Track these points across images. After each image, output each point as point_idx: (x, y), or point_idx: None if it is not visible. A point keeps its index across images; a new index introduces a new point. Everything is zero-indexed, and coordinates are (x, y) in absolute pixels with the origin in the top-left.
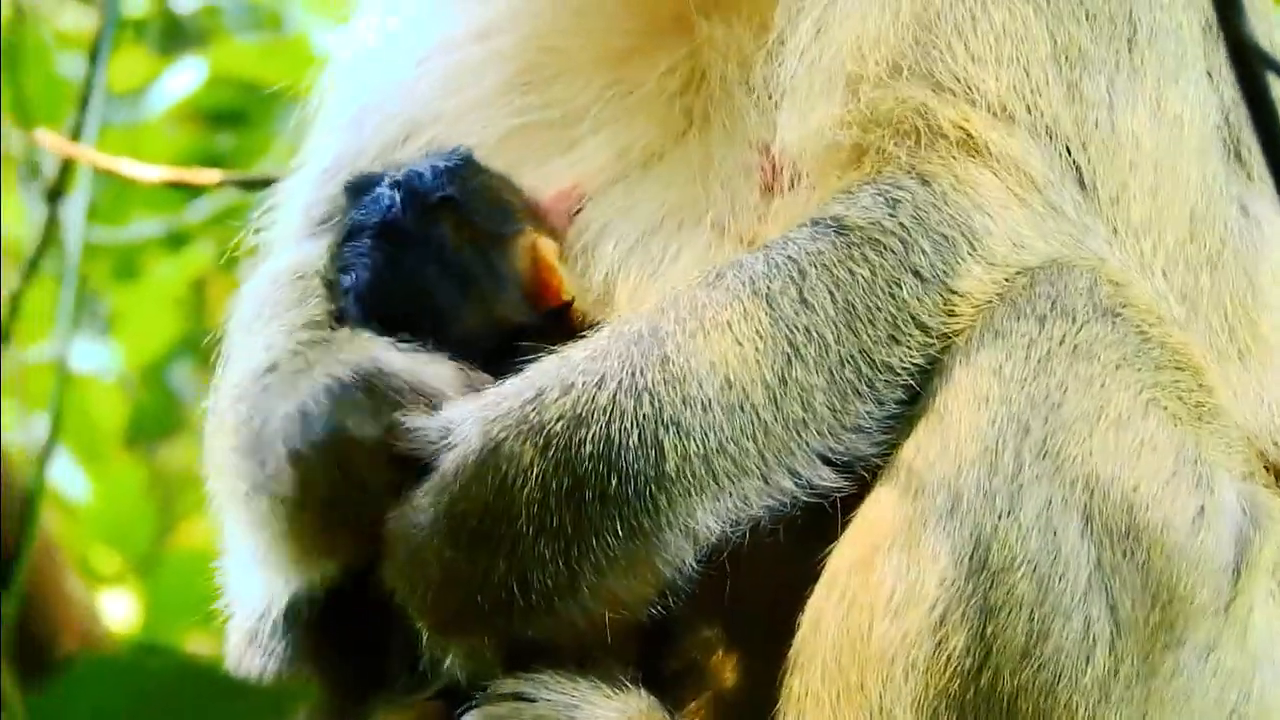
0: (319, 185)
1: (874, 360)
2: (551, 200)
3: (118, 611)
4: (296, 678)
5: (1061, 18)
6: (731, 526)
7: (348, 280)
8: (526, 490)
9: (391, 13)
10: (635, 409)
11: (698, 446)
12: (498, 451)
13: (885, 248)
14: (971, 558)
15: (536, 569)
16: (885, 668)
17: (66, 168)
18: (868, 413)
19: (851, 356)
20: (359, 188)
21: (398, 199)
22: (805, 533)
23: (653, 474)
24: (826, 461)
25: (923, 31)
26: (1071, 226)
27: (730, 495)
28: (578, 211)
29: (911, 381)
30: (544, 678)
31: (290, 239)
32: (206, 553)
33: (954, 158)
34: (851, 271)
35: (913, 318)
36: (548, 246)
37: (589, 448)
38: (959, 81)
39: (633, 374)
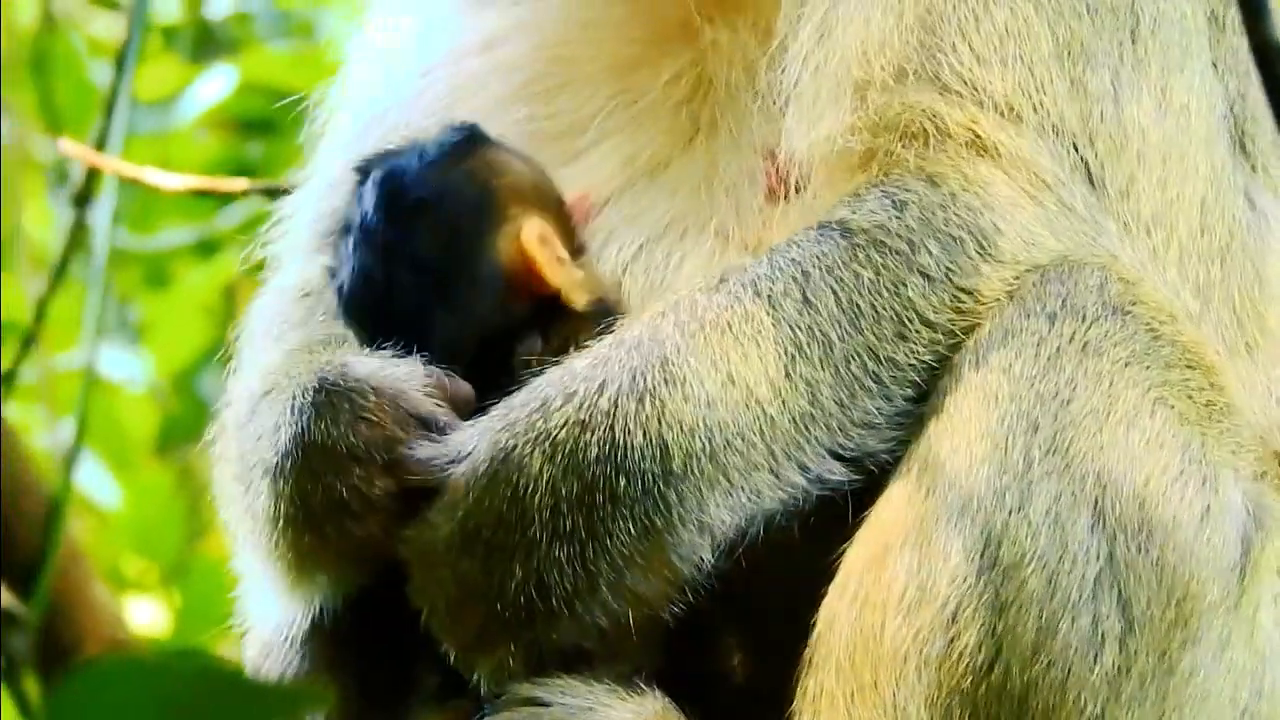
0: (325, 198)
1: (880, 357)
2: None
3: (147, 619)
4: (314, 682)
5: (1062, 13)
6: (746, 521)
7: (335, 283)
8: (538, 497)
9: (399, 24)
10: (637, 410)
11: (703, 443)
12: (507, 462)
13: (890, 249)
14: (983, 555)
15: (554, 573)
16: (898, 666)
17: (93, 175)
18: (876, 409)
19: (857, 353)
20: (364, 173)
21: (373, 202)
22: (821, 533)
23: (659, 472)
24: (837, 457)
25: (926, 34)
26: (1083, 224)
27: (742, 490)
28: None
29: (920, 378)
30: (559, 682)
31: (298, 253)
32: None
33: (962, 158)
34: (856, 274)
35: (919, 315)
36: (532, 233)
37: (595, 451)
38: (965, 84)
39: (633, 377)
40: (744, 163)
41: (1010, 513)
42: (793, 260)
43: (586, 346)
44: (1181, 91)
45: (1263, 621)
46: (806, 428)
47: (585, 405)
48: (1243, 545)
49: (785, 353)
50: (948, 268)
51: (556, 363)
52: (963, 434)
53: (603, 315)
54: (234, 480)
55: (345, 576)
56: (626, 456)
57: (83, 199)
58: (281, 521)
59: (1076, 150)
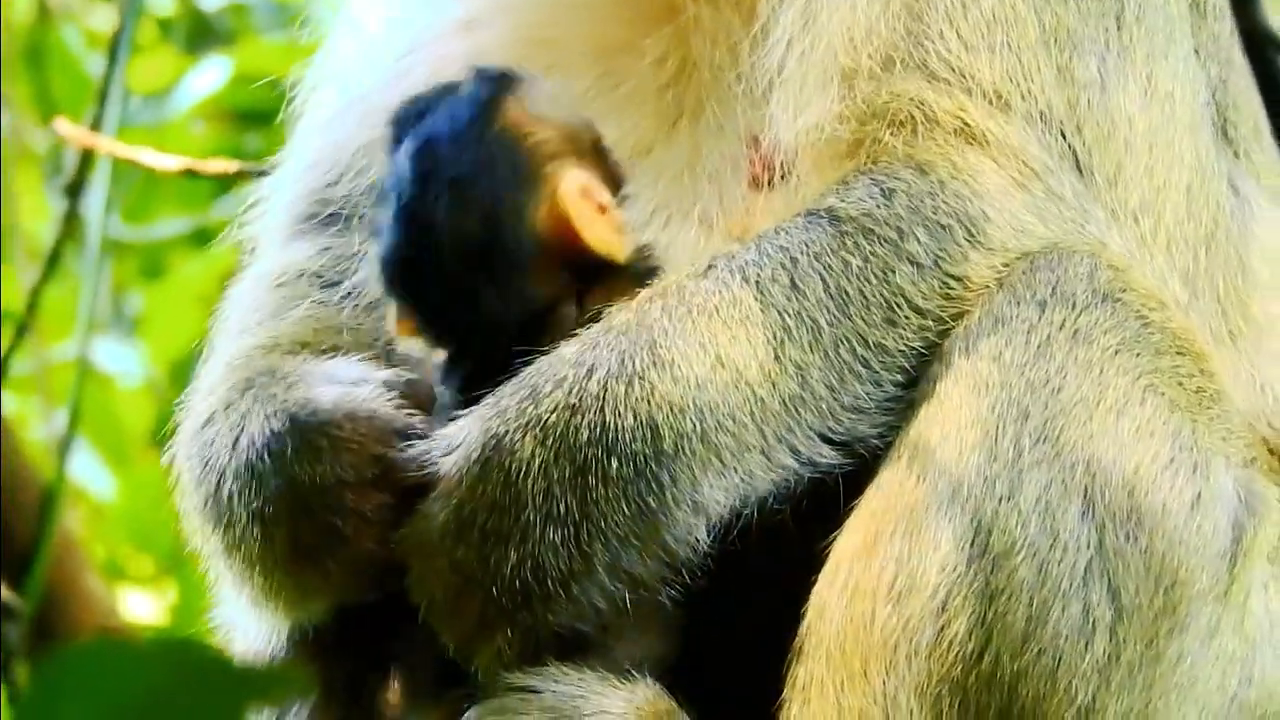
0: (303, 181)
1: (869, 342)
2: None
3: (142, 611)
4: (296, 667)
5: None
6: (740, 503)
7: (374, 251)
8: (530, 481)
9: (373, 9)
10: (627, 393)
11: (693, 424)
12: (499, 448)
13: (879, 237)
14: (972, 543)
15: (549, 556)
16: (888, 654)
17: (86, 161)
18: (866, 394)
19: (846, 338)
20: (397, 130)
21: (409, 176)
22: (812, 521)
23: (651, 453)
24: (827, 441)
25: (913, 21)
26: (1072, 212)
27: (735, 471)
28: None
29: (910, 364)
30: (551, 670)
31: (276, 237)
32: None
33: (951, 146)
34: (844, 261)
35: (908, 302)
36: (572, 187)
37: (585, 434)
38: (953, 71)
39: (621, 361)
40: (727, 149)
41: (1000, 501)
42: (780, 247)
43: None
44: (1166, 78)
45: (1253, 608)
46: (796, 410)
47: (574, 390)
48: (1234, 532)
49: (774, 336)
50: (937, 255)
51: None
52: (953, 421)
53: (644, 272)
54: (196, 513)
55: (345, 597)
56: (617, 438)
57: (76, 188)
58: (278, 564)
59: (1064, 138)
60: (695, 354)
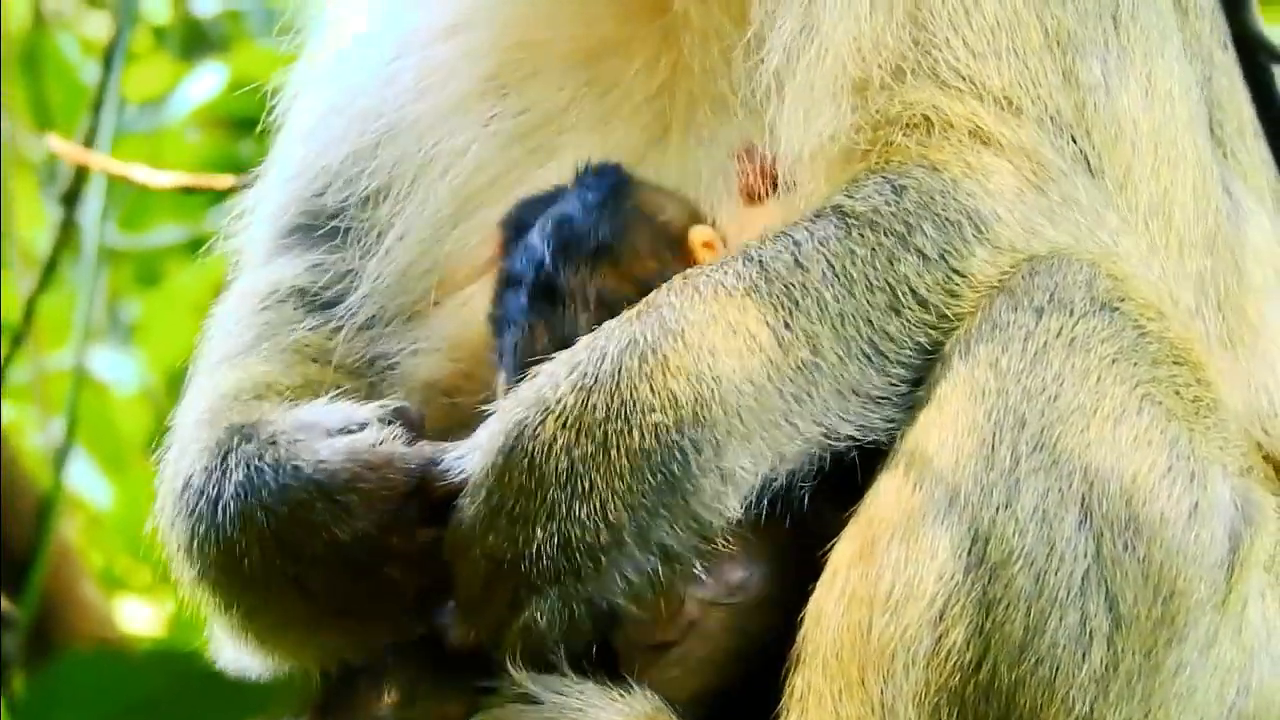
0: (287, 191)
1: (874, 325)
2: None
3: (139, 620)
4: (289, 680)
5: (1047, 1)
6: (771, 472)
7: (505, 339)
8: (553, 461)
9: (356, 13)
10: (639, 366)
11: (710, 389)
12: (520, 435)
13: (886, 230)
14: (970, 552)
15: (576, 530)
16: (886, 663)
17: (82, 173)
18: (872, 382)
19: (852, 315)
20: (515, 225)
21: (548, 252)
22: (810, 527)
23: (670, 422)
24: (843, 419)
25: (918, 30)
26: (1084, 216)
27: (761, 438)
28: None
29: (912, 360)
30: (551, 679)
31: (260, 251)
32: None
33: (965, 146)
34: (850, 249)
35: (912, 291)
36: (706, 242)
37: (602, 411)
38: (963, 79)
39: (632, 339)
40: (719, 161)
41: (997, 509)
42: (785, 234)
43: None
44: (1164, 76)
45: (1250, 617)
46: (811, 374)
47: (589, 371)
48: (1231, 541)
49: (782, 305)
50: (943, 249)
51: None
52: (950, 429)
53: None
54: (207, 581)
55: (391, 638)
56: (635, 410)
57: (71, 197)
58: (319, 622)
59: (1075, 142)
60: (706, 323)
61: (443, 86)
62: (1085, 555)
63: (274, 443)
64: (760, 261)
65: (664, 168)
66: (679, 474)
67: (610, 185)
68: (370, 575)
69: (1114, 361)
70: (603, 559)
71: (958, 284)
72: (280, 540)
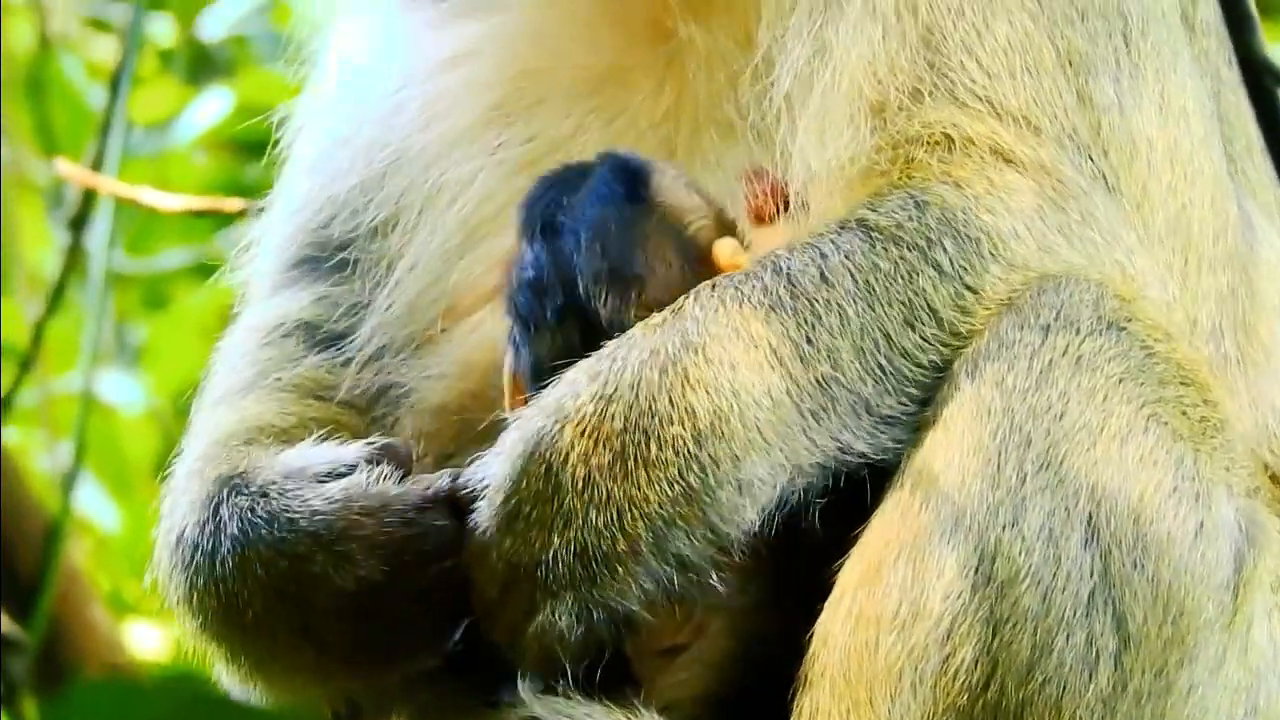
0: (292, 223)
1: (891, 339)
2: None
3: (147, 643)
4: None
5: (1057, 21)
6: (788, 485)
7: (520, 351)
8: (570, 469)
9: (360, 44)
10: (660, 378)
11: (729, 403)
12: (539, 442)
13: (909, 245)
14: (976, 571)
15: (592, 539)
16: (893, 683)
17: (89, 197)
18: (887, 401)
19: (871, 329)
20: (539, 213)
21: (581, 277)
22: (818, 547)
23: (688, 435)
24: (859, 439)
25: (932, 53)
26: (1102, 234)
27: (780, 450)
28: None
29: (923, 378)
30: (558, 702)
31: (265, 284)
32: None
33: (987, 164)
34: (874, 262)
35: (926, 304)
36: (730, 257)
37: (620, 421)
38: (980, 99)
39: (653, 350)
40: (726, 184)
41: (1004, 528)
42: (812, 246)
43: None
44: (1177, 93)
45: (1256, 638)
46: (832, 387)
47: (609, 381)
48: (1235, 562)
49: (805, 321)
50: (961, 265)
51: None
52: (956, 447)
53: None
54: (210, 629)
55: (410, 671)
56: (654, 422)
57: (79, 221)
58: (332, 668)
59: (1093, 161)
60: (728, 336)
61: (448, 116)
62: (1092, 574)
63: (265, 494)
64: (788, 275)
65: None
66: (696, 486)
67: (634, 191)
68: (379, 618)
69: (1121, 381)
70: (619, 568)
71: (969, 300)
72: (282, 593)
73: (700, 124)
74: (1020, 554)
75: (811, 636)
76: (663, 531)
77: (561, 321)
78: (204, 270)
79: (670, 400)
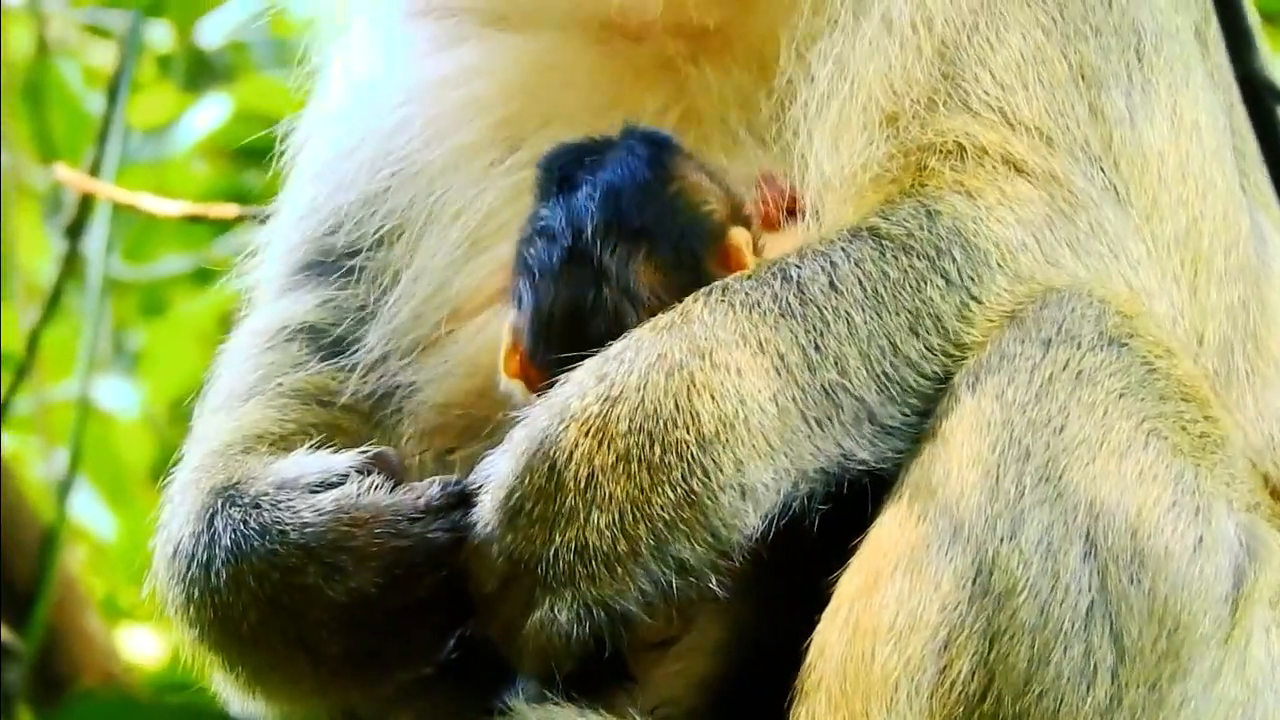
0: (299, 230)
1: (897, 348)
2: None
3: (142, 650)
4: None
5: (1070, 36)
6: (791, 490)
7: (530, 293)
8: (573, 468)
9: (364, 57)
10: (666, 381)
11: (734, 408)
12: (544, 440)
13: (919, 254)
14: (974, 583)
15: (593, 538)
16: (889, 694)
17: (86, 203)
18: (888, 410)
19: (878, 336)
20: (557, 171)
21: (594, 223)
22: (817, 558)
23: (693, 439)
24: (859, 445)
25: (947, 66)
26: (1110, 246)
27: (784, 455)
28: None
29: (927, 387)
30: (552, 709)
31: (272, 287)
32: None
33: (1000, 174)
34: (884, 270)
35: (933, 314)
36: (742, 247)
37: (625, 423)
38: (994, 110)
39: (660, 354)
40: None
41: (1002, 541)
42: (822, 253)
43: None
44: (1190, 106)
45: (1254, 653)
46: (839, 394)
47: (616, 382)
48: (1235, 576)
49: (814, 328)
50: (969, 275)
51: None
52: (956, 459)
53: None
54: (208, 640)
55: (406, 678)
56: (658, 426)
57: (76, 228)
58: (329, 678)
59: (1104, 173)
60: (735, 342)
61: (451, 134)
62: (1090, 588)
63: (258, 506)
64: (798, 282)
65: None
66: (699, 490)
67: (659, 161)
68: (373, 629)
69: (1121, 396)
70: (619, 568)
71: (974, 311)
72: (276, 604)
73: (709, 139)
74: (1018, 566)
75: (809, 646)
76: (664, 534)
77: (566, 265)
78: (202, 277)
79: (676, 404)
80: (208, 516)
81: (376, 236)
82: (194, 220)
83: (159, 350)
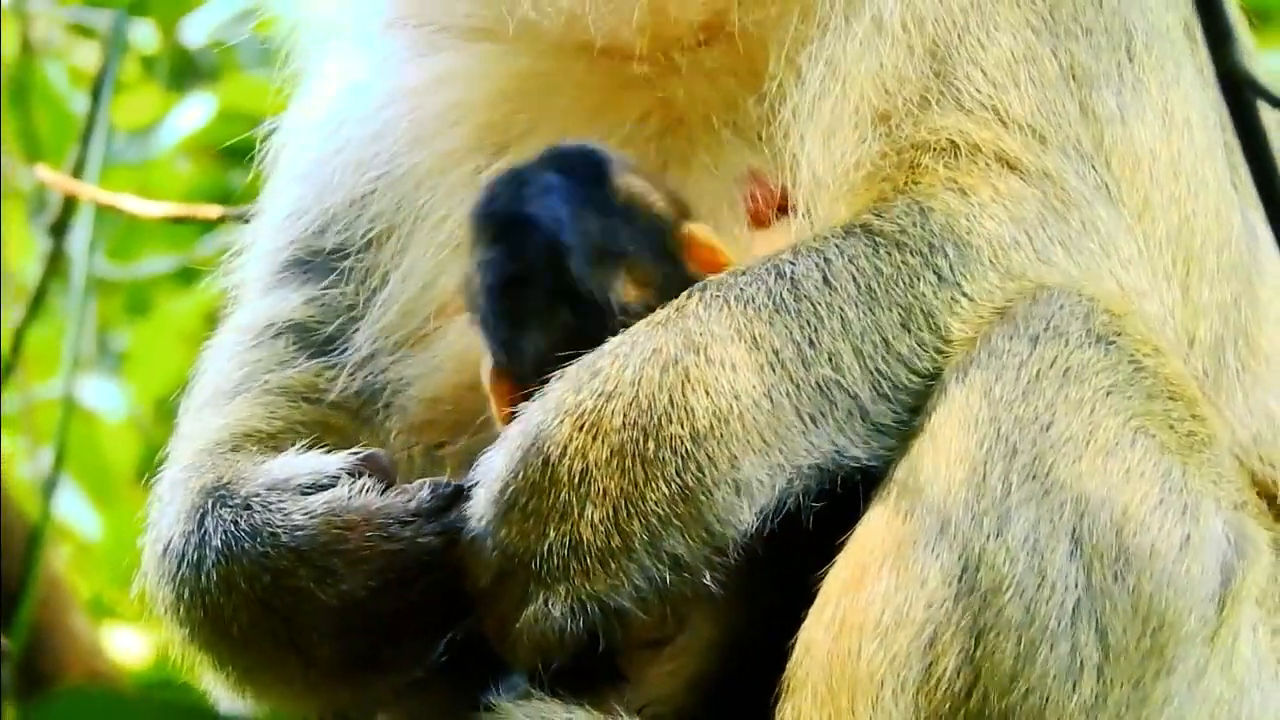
0: (284, 231)
1: (889, 344)
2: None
3: (127, 649)
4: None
5: (1060, 36)
6: (786, 486)
7: (497, 337)
8: (567, 462)
9: (348, 60)
10: (660, 377)
11: (729, 404)
12: (539, 435)
13: (912, 250)
14: (960, 579)
15: (587, 533)
16: (875, 690)
17: (71, 202)
18: (879, 408)
19: (871, 332)
20: (498, 222)
21: (540, 254)
22: (803, 554)
23: (687, 434)
24: (852, 441)
25: (938, 64)
26: (1101, 245)
27: (779, 452)
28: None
29: (918, 384)
30: (540, 706)
31: (257, 285)
32: None
33: (993, 171)
34: (877, 267)
35: (925, 311)
36: (707, 236)
37: (620, 418)
38: (986, 108)
39: (655, 349)
40: (722, 190)
41: (988, 538)
42: (816, 250)
43: None
44: (1181, 105)
45: (1241, 651)
46: (833, 390)
47: (610, 377)
48: (1222, 574)
49: (808, 324)
50: (961, 272)
51: None
52: (942, 456)
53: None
54: (201, 641)
55: (400, 681)
56: (652, 421)
57: (60, 227)
58: (320, 680)
59: (1095, 171)
60: (730, 338)
61: (436, 138)
62: (1076, 586)
63: (249, 507)
64: (792, 278)
65: None
66: (693, 485)
67: (597, 179)
68: (364, 632)
69: (1108, 394)
70: (613, 564)
71: (965, 307)
72: (267, 606)
73: (694, 141)
74: (1004, 564)
75: (795, 643)
76: (658, 529)
77: (550, 307)
78: (186, 276)
79: (670, 399)
80: (198, 516)
81: (365, 239)
82: (178, 221)
83: (143, 350)
